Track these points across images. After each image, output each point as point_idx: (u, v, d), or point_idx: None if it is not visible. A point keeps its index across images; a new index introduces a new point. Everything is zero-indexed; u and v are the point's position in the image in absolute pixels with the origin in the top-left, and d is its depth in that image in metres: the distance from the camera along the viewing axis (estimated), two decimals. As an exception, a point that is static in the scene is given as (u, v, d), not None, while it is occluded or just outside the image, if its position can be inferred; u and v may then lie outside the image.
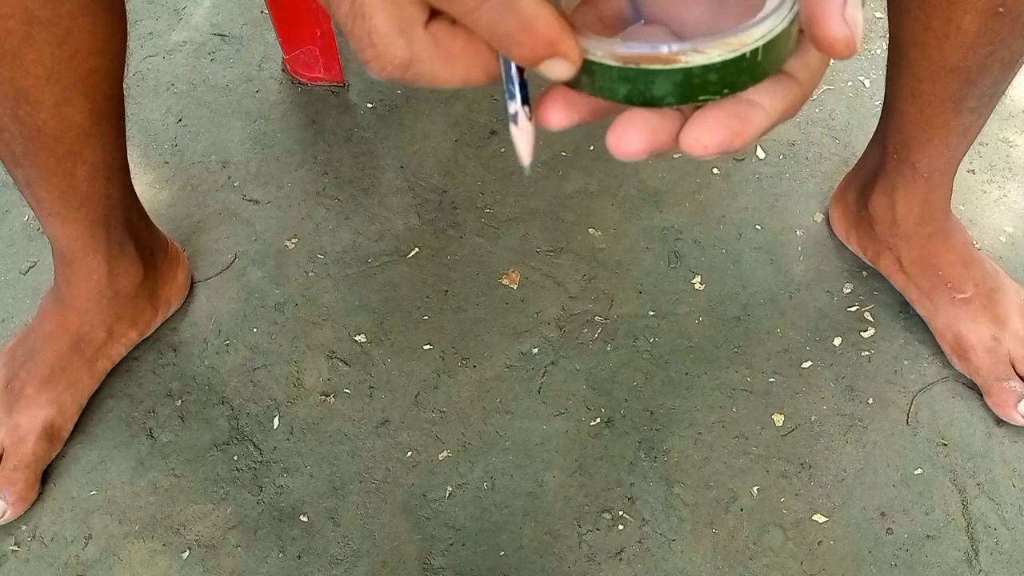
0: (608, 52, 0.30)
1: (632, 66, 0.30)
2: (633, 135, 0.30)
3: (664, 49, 0.29)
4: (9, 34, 0.56)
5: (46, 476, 0.79)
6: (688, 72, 0.29)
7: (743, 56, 0.30)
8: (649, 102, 0.30)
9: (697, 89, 0.30)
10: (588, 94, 0.32)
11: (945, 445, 0.80)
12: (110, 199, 0.74)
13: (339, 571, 0.75)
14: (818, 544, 0.76)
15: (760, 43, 0.30)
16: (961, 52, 0.65)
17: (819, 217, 0.94)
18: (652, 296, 0.89)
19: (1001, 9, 0.60)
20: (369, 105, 1.04)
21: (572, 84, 0.32)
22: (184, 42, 1.10)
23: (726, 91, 0.30)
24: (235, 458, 0.81)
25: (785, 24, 0.30)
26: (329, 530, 0.77)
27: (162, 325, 0.88)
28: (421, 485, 0.79)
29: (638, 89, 0.30)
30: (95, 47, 0.61)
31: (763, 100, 0.31)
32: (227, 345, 0.87)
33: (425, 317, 0.88)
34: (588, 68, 0.31)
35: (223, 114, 1.04)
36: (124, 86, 0.69)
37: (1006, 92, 0.72)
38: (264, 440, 0.82)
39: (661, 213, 0.95)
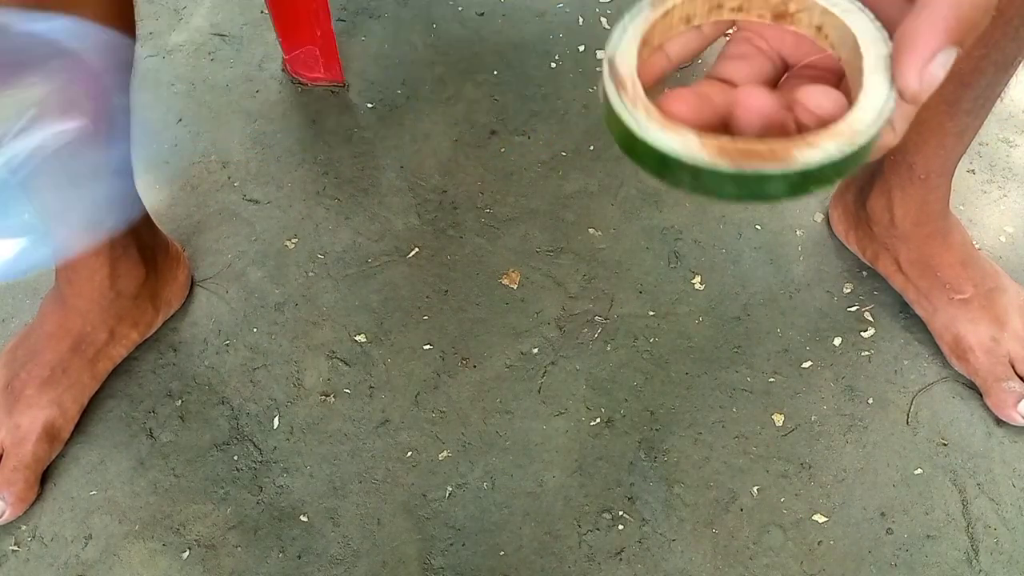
0: (714, 148, 0.28)
1: (746, 171, 0.27)
2: (682, 104, 0.29)
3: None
4: None
5: (46, 476, 0.79)
6: (805, 173, 0.27)
7: (863, 147, 0.28)
8: (759, 200, 0.28)
9: (812, 183, 0.28)
10: (687, 192, 0.30)
11: (945, 445, 0.80)
12: None
13: (339, 571, 0.75)
14: (818, 544, 0.76)
15: (877, 127, 0.28)
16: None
17: (819, 217, 0.94)
18: (652, 296, 0.89)
19: (993, 12, 0.60)
20: (369, 105, 1.04)
21: (668, 180, 0.29)
22: (184, 42, 1.10)
23: (836, 180, 0.28)
24: (235, 458, 0.81)
25: (893, 103, 0.29)
26: (329, 530, 0.77)
27: (162, 325, 0.87)
28: (421, 485, 0.79)
29: (749, 190, 0.28)
30: None
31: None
32: (227, 345, 0.87)
33: (425, 317, 0.88)
34: (689, 168, 0.28)
35: (223, 114, 1.04)
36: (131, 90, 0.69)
37: (1005, 92, 0.72)
38: (264, 440, 0.82)
39: (661, 213, 0.95)
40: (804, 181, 0.27)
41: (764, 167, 0.27)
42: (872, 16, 0.31)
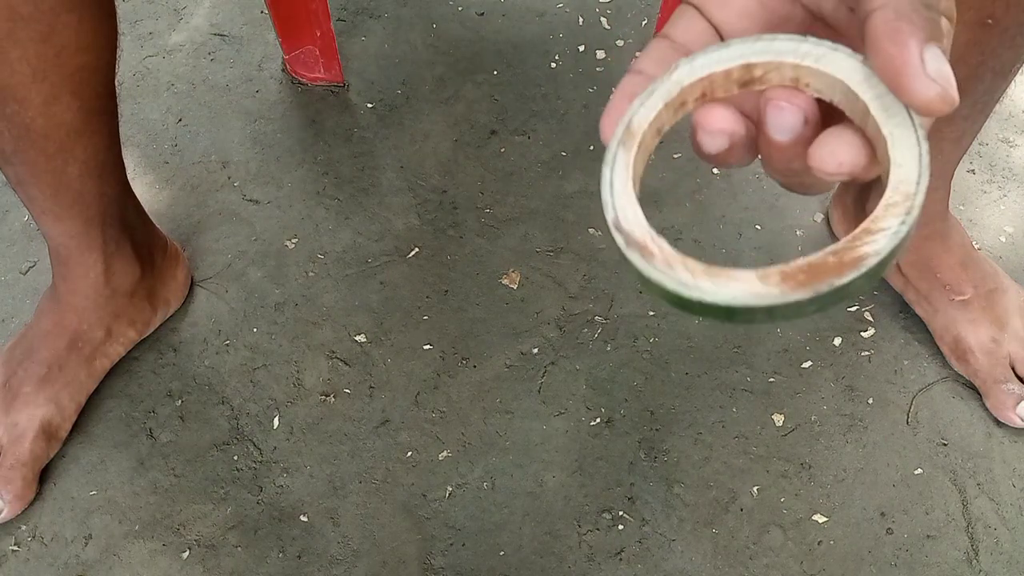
0: (778, 280, 0.26)
1: (826, 291, 0.26)
2: (844, 150, 0.27)
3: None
4: None
5: (46, 476, 0.79)
6: (882, 261, 0.26)
7: (923, 203, 0.26)
8: (844, 302, 0.27)
9: (889, 262, 0.26)
10: (762, 324, 0.28)
11: (945, 445, 0.80)
12: (104, 197, 0.74)
13: (339, 571, 0.75)
14: (818, 544, 0.76)
15: (926, 176, 0.26)
16: (951, 62, 0.65)
17: (819, 217, 0.94)
18: (652, 296, 0.89)
19: (990, 20, 0.60)
20: (369, 105, 1.04)
21: (738, 322, 0.27)
22: (184, 42, 1.10)
23: (907, 246, 0.27)
24: (235, 458, 0.81)
25: (926, 141, 0.27)
26: (329, 530, 0.77)
27: (162, 325, 0.87)
28: (421, 485, 0.79)
29: (831, 302, 0.26)
30: (82, 44, 0.61)
31: None
32: (227, 345, 0.87)
33: (425, 317, 0.88)
34: (762, 309, 0.26)
35: (223, 114, 1.04)
36: (117, 84, 0.69)
37: (1006, 93, 0.72)
38: (264, 440, 0.82)
39: (661, 213, 0.95)
40: (882, 266, 0.26)
41: (839, 280, 0.26)
42: (848, 50, 0.28)
